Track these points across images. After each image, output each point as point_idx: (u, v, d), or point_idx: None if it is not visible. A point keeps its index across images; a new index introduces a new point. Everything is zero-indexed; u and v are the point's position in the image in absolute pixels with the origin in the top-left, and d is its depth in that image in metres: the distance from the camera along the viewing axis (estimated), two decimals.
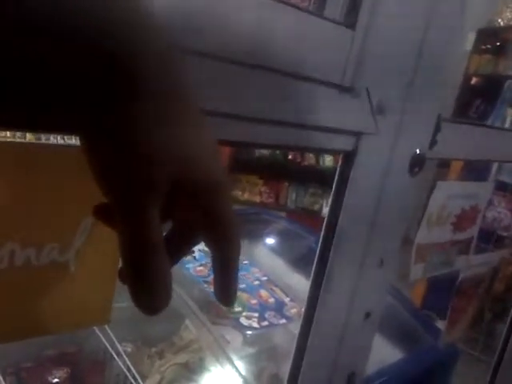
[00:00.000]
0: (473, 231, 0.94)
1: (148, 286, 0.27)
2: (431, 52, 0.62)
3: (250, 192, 4.30)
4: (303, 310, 0.68)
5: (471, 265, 1.02)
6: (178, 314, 1.24)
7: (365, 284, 0.69)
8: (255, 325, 1.28)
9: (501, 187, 2.98)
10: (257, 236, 1.87)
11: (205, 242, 0.32)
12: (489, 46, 3.74)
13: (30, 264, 0.37)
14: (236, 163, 4.15)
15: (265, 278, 1.50)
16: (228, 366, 1.15)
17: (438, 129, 0.68)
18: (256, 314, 1.31)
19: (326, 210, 0.65)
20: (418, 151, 0.67)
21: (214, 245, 0.31)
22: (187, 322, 1.25)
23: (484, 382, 1.35)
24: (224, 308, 1.26)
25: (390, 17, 0.54)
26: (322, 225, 0.64)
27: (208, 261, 1.37)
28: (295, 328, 0.69)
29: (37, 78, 0.23)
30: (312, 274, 0.66)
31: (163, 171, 0.27)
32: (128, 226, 0.27)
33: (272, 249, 1.85)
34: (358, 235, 0.66)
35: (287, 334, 1.25)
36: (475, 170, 2.52)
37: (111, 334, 1.10)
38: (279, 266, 1.67)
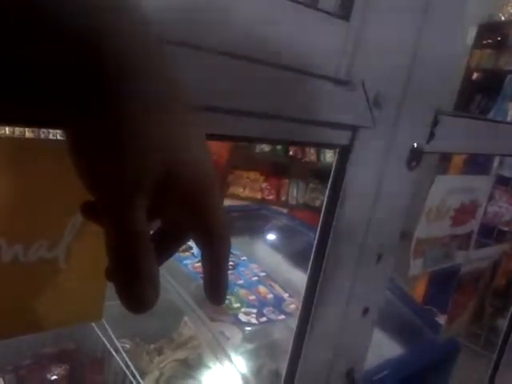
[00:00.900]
0: (473, 225, 0.94)
1: (134, 285, 0.27)
2: (429, 44, 0.61)
3: (251, 188, 4.31)
4: (300, 305, 0.68)
5: (471, 259, 1.02)
6: (176, 310, 1.24)
7: (363, 279, 0.68)
8: (254, 321, 1.28)
9: (502, 182, 2.97)
10: (256, 232, 1.87)
11: (194, 240, 0.32)
12: (490, 41, 3.73)
13: (17, 261, 0.37)
14: (237, 159, 4.15)
15: (263, 274, 1.50)
16: (227, 363, 1.15)
17: (435, 122, 0.68)
18: (254, 310, 1.31)
19: None
20: (415, 145, 0.66)
21: (203, 243, 0.31)
22: (186, 318, 1.25)
23: (485, 377, 1.35)
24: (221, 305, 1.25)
25: (386, 8, 0.53)
26: None
27: None
28: (294, 324, 0.68)
29: (22, 73, 0.23)
30: (309, 270, 0.65)
31: (150, 169, 0.26)
32: (114, 224, 0.27)
33: (271, 245, 1.85)
34: (355, 230, 0.65)
35: (286, 330, 1.24)
36: (476, 165, 2.51)
37: (110, 331, 1.10)
38: (279, 262, 1.67)
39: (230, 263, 1.44)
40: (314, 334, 0.66)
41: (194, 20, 0.38)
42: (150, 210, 0.27)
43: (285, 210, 3.80)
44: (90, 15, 0.24)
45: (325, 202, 0.63)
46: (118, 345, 1.12)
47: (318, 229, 0.64)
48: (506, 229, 2.95)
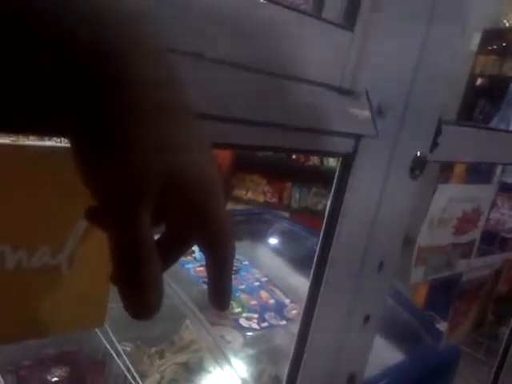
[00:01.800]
0: (475, 234, 0.94)
1: (138, 291, 0.27)
2: (432, 54, 0.62)
3: (253, 191, 4.30)
4: (302, 311, 0.68)
5: (473, 268, 1.01)
6: (178, 313, 1.24)
7: (364, 287, 0.68)
8: (255, 326, 1.27)
9: (505, 188, 2.96)
10: (258, 236, 1.87)
11: (198, 245, 0.32)
12: (494, 47, 3.72)
13: (21, 267, 0.37)
14: (240, 163, 4.15)
15: (265, 279, 1.50)
16: (227, 367, 1.15)
17: (438, 131, 0.68)
18: (256, 315, 1.31)
19: None
20: (418, 154, 0.66)
21: (207, 248, 0.31)
22: (187, 322, 1.25)
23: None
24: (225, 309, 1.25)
25: (390, 19, 0.54)
26: None
27: None
28: (295, 329, 0.68)
29: (24, 80, 0.23)
30: (311, 277, 0.66)
31: (154, 175, 0.26)
32: (117, 230, 0.27)
33: (273, 249, 1.85)
34: (357, 238, 0.65)
35: (287, 336, 1.24)
36: (479, 172, 2.50)
37: (111, 334, 1.10)
38: (280, 267, 1.67)
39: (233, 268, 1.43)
40: (315, 340, 0.66)
41: (200, 30, 0.38)
42: (153, 215, 0.28)
43: (287, 214, 3.80)
44: (92, 22, 0.24)
45: (327, 210, 0.63)
46: (119, 348, 1.12)
47: (320, 236, 0.64)
48: (508, 235, 2.93)
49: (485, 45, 3.72)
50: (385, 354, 1.24)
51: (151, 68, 0.27)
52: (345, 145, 0.58)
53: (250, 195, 4.28)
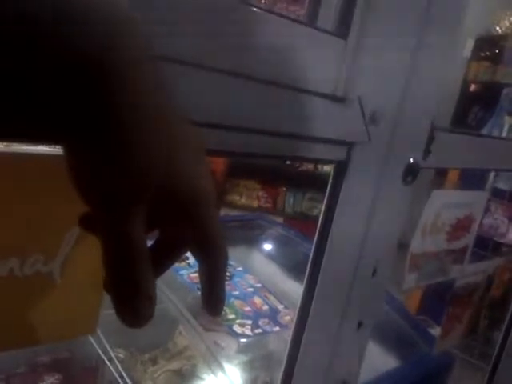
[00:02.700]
0: (467, 240, 0.94)
1: (130, 298, 0.27)
2: (424, 61, 0.62)
3: (247, 197, 4.30)
4: (295, 318, 0.68)
5: (466, 273, 1.02)
6: (171, 320, 1.23)
7: (358, 293, 0.68)
8: (248, 332, 1.27)
9: (497, 194, 2.98)
10: (252, 242, 1.87)
11: (191, 252, 0.32)
12: (487, 54, 3.75)
13: (13, 275, 0.37)
14: (234, 168, 4.15)
15: (259, 285, 1.49)
16: (221, 374, 1.15)
17: (431, 138, 0.68)
18: (249, 322, 1.30)
19: None
20: (411, 160, 0.67)
21: (200, 255, 0.31)
22: (181, 328, 1.25)
23: None
24: (219, 316, 1.25)
25: (383, 27, 0.54)
26: None
27: None
28: (289, 335, 0.68)
29: (19, 88, 0.23)
30: (304, 283, 0.66)
31: (147, 183, 0.26)
32: (111, 238, 0.27)
33: (267, 255, 1.85)
34: (351, 244, 0.66)
35: (281, 342, 1.24)
36: (472, 178, 2.52)
37: (104, 340, 1.09)
38: (274, 273, 1.67)
39: (226, 274, 1.43)
40: (308, 346, 0.66)
41: (197, 40, 0.39)
42: (147, 222, 0.28)
43: (281, 219, 3.80)
44: (89, 31, 0.24)
45: (321, 216, 0.63)
46: (112, 354, 1.11)
47: (314, 242, 0.64)
48: (501, 241, 2.95)
49: (478, 51, 3.75)
50: (378, 360, 1.24)
51: (146, 75, 0.27)
52: (338, 152, 0.58)
53: (244, 200, 4.28)
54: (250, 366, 1.21)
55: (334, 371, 0.71)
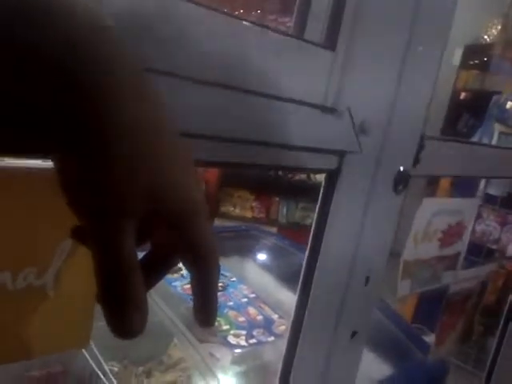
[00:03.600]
0: (459, 247, 0.95)
1: (120, 310, 0.27)
2: (413, 71, 0.63)
3: (241, 207, 4.30)
4: (289, 327, 0.68)
5: (459, 280, 1.02)
6: (166, 332, 1.22)
7: (351, 302, 0.69)
8: (243, 343, 1.26)
9: (489, 200, 3.00)
10: (246, 253, 1.87)
11: (183, 263, 0.32)
12: (476, 62, 3.80)
13: (5, 289, 0.37)
14: (227, 178, 4.16)
15: (253, 295, 1.49)
16: None
17: (421, 147, 0.69)
18: (244, 332, 1.30)
19: None
20: (401, 169, 0.67)
21: (192, 267, 0.31)
22: (175, 340, 1.24)
23: None
24: (211, 327, 1.25)
25: (371, 37, 0.55)
26: None
27: None
28: (284, 345, 0.68)
29: (3, 103, 0.23)
30: (297, 293, 0.66)
31: (137, 196, 0.27)
32: (102, 251, 0.27)
33: (261, 265, 1.84)
34: (343, 253, 0.66)
35: (277, 352, 1.24)
36: (463, 185, 2.54)
37: (97, 354, 1.08)
38: (268, 283, 1.66)
39: (220, 285, 1.44)
40: (302, 356, 0.66)
41: (184, 52, 0.39)
42: (138, 234, 0.28)
43: (275, 229, 3.80)
44: (67, 43, 0.24)
45: (313, 226, 0.64)
46: (106, 368, 1.10)
47: (307, 251, 0.64)
48: (494, 247, 2.97)
49: (467, 60, 3.80)
50: (373, 368, 1.24)
51: (134, 87, 0.27)
52: (329, 161, 0.59)
53: (238, 211, 4.28)
54: (245, 377, 1.21)
55: (329, 380, 0.71)
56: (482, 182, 2.84)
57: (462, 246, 0.95)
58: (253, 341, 1.29)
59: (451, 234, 0.88)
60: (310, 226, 0.64)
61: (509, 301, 1.26)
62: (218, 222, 3.88)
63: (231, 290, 1.47)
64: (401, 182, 0.68)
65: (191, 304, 0.32)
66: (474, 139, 3.04)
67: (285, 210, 4.36)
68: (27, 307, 0.39)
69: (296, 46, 0.48)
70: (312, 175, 4.12)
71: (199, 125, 0.41)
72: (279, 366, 0.68)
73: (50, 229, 0.38)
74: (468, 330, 1.20)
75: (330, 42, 0.51)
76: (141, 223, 0.28)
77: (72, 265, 0.40)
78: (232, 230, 2.11)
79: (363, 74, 0.56)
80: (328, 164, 0.59)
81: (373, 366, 1.26)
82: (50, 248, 0.39)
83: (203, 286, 0.31)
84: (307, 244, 0.64)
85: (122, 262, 0.27)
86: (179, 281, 1.38)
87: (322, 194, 0.62)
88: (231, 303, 1.40)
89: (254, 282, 1.61)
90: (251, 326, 1.34)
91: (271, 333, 1.34)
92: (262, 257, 1.93)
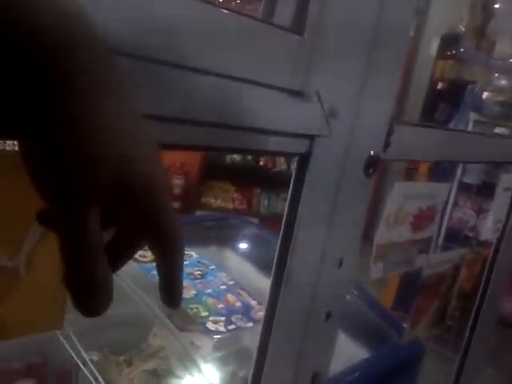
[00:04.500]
0: (431, 230, 0.97)
1: (85, 287, 0.28)
2: (382, 54, 0.64)
3: (222, 199, 4.31)
4: (264, 312, 0.69)
5: (432, 263, 1.05)
6: (145, 321, 1.23)
7: (325, 284, 0.70)
8: (222, 329, 1.28)
9: (465, 188, 3.05)
10: (225, 241, 1.88)
11: (148, 244, 0.32)
12: (453, 52, 3.84)
13: None
14: (208, 170, 4.15)
15: (232, 283, 1.50)
16: (197, 373, 1.15)
17: (391, 131, 0.70)
18: (222, 318, 1.31)
19: None
20: (372, 153, 0.69)
21: (155, 246, 0.31)
22: (155, 329, 1.25)
23: (452, 380, 1.38)
24: (191, 314, 1.26)
25: (339, 20, 0.56)
26: None
27: None
28: None
29: None
30: (272, 276, 0.67)
31: (100, 178, 0.27)
32: (66, 234, 0.27)
33: (240, 254, 1.85)
34: (315, 237, 0.67)
35: (255, 337, 1.25)
36: (441, 172, 2.58)
37: (77, 343, 1.08)
38: (248, 271, 1.68)
39: (199, 273, 1.45)
40: (277, 338, 0.67)
41: (143, 31, 0.39)
42: (102, 216, 0.28)
43: (257, 220, 3.82)
44: (35, 19, 0.24)
45: (285, 210, 0.65)
46: (86, 357, 1.11)
47: (280, 236, 0.65)
48: (470, 234, 3.02)
49: (443, 50, 3.84)
50: (350, 352, 1.26)
51: (99, 65, 0.27)
52: (300, 145, 0.60)
53: (219, 202, 4.29)
54: (224, 362, 1.22)
55: (304, 362, 0.73)
56: (459, 171, 2.89)
57: (433, 230, 0.98)
58: (232, 327, 1.30)
59: (422, 218, 0.90)
60: None
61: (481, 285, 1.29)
62: (199, 213, 3.88)
63: (210, 277, 1.48)
64: (371, 165, 0.69)
65: None
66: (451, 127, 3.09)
67: (266, 201, 4.38)
68: (0, 288, 0.40)
69: (263, 30, 0.49)
70: (292, 166, 4.13)
71: (168, 107, 0.42)
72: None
73: (21, 210, 0.39)
74: (442, 313, 1.22)
75: (298, 26, 0.52)
76: (106, 206, 0.28)
77: (44, 247, 0.41)
78: (212, 219, 2.12)
79: (332, 58, 0.56)
80: (298, 148, 0.60)
81: (352, 352, 1.29)
82: (22, 230, 0.40)
83: (167, 264, 0.32)
84: None
85: (86, 244, 0.27)
86: None
87: (294, 178, 0.63)
88: (210, 290, 1.41)
89: (233, 270, 1.63)
90: (230, 312, 1.35)
91: (250, 318, 1.36)
92: (242, 246, 1.94)
